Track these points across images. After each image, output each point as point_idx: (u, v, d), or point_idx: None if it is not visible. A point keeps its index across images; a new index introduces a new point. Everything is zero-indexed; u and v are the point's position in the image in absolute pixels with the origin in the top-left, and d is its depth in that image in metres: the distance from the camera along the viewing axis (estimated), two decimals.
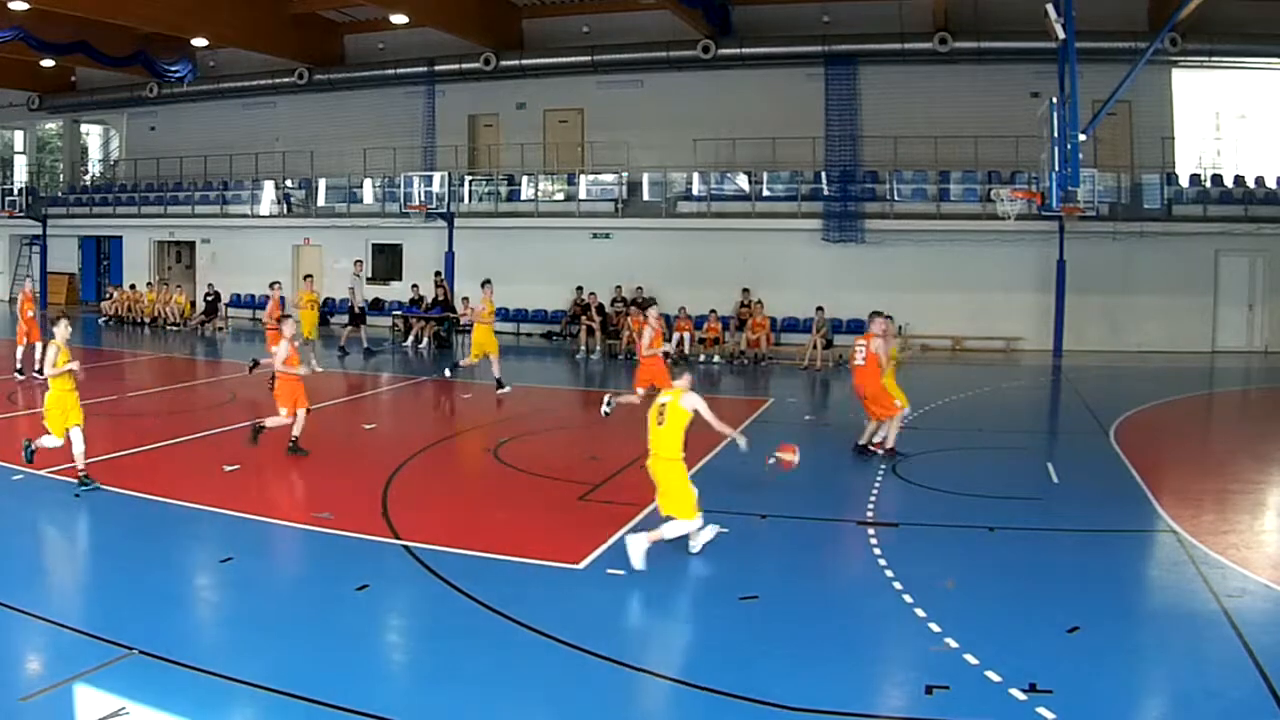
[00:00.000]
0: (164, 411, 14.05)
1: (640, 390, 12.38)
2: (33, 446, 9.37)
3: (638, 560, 7.28)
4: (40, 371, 15.92)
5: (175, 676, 5.46)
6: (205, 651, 5.81)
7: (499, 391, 15.58)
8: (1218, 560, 7.66)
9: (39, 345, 15.97)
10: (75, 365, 9.34)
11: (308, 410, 11.05)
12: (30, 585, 6.85)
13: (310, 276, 19.18)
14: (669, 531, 7.56)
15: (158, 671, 5.50)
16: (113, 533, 8.28)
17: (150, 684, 5.35)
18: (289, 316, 12.23)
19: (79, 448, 9.15)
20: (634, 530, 7.86)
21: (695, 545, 7.79)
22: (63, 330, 9.47)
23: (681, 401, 7.81)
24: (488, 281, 16.55)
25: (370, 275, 28.86)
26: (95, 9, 23.05)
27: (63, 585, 7.22)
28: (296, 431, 10.92)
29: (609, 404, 12.55)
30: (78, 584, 7.23)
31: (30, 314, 16.71)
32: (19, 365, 16.30)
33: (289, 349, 11.03)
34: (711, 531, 7.85)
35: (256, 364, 16.36)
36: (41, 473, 9.76)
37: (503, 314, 26.65)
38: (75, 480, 9.18)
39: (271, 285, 17.34)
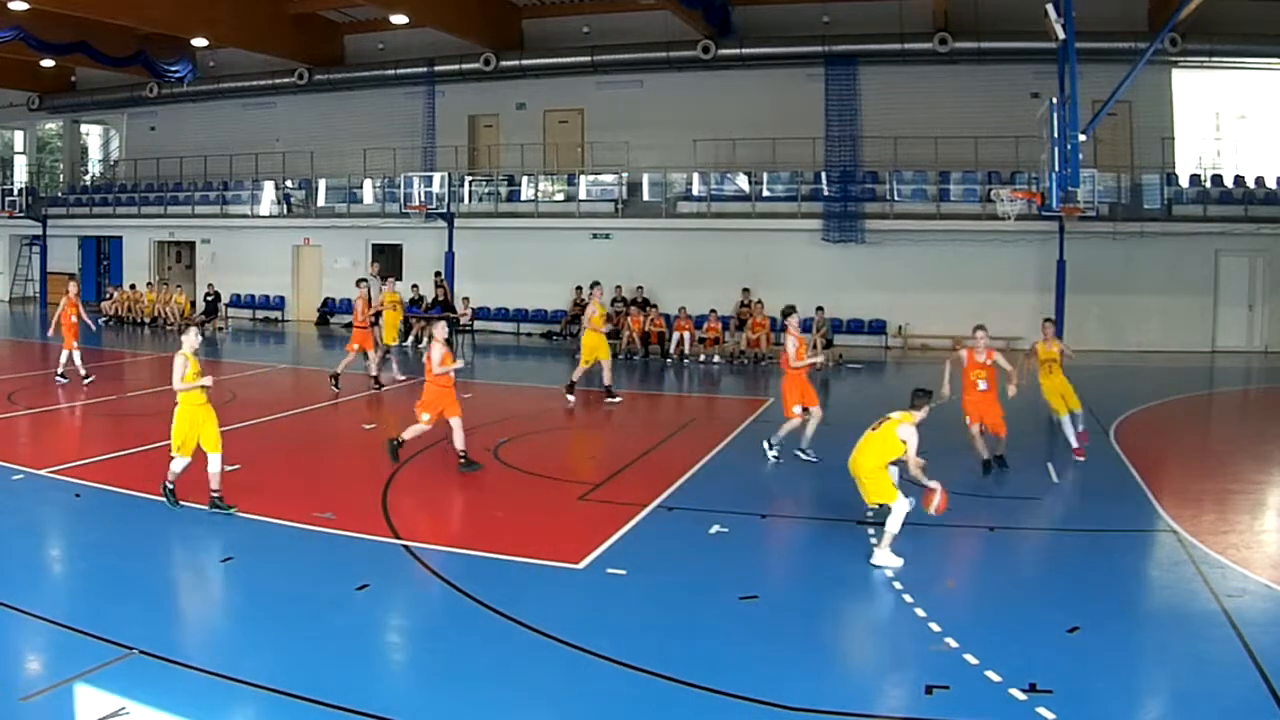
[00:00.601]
0: (164, 411, 13.99)
1: (798, 409, 11.04)
2: (169, 485, 8.71)
3: (897, 561, 7.52)
4: (61, 374, 15.57)
5: (175, 676, 5.46)
6: (205, 651, 5.81)
7: (609, 400, 14.98)
8: (1218, 560, 7.67)
9: (65, 353, 15.64)
10: (207, 381, 8.72)
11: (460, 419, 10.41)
12: (30, 585, 6.85)
13: (391, 277, 17.99)
14: (892, 526, 7.65)
15: (158, 671, 5.50)
16: (113, 532, 8.27)
17: (150, 684, 5.35)
18: (444, 319, 11.67)
19: (215, 468, 8.56)
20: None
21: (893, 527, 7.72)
22: (191, 339, 8.83)
23: (899, 429, 7.88)
24: (597, 284, 15.58)
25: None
26: (95, 9, 23.04)
27: (63, 585, 7.23)
28: (460, 445, 10.35)
29: (774, 446, 11.13)
30: (78, 584, 7.23)
31: (73, 319, 15.93)
32: (63, 370, 15.75)
33: (443, 351, 10.40)
34: (906, 506, 7.77)
35: (337, 378, 15.83)
36: (42, 472, 9.77)
37: (503, 314, 26.81)
38: (205, 504, 8.63)
39: (358, 283, 16.62)
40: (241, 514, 8.62)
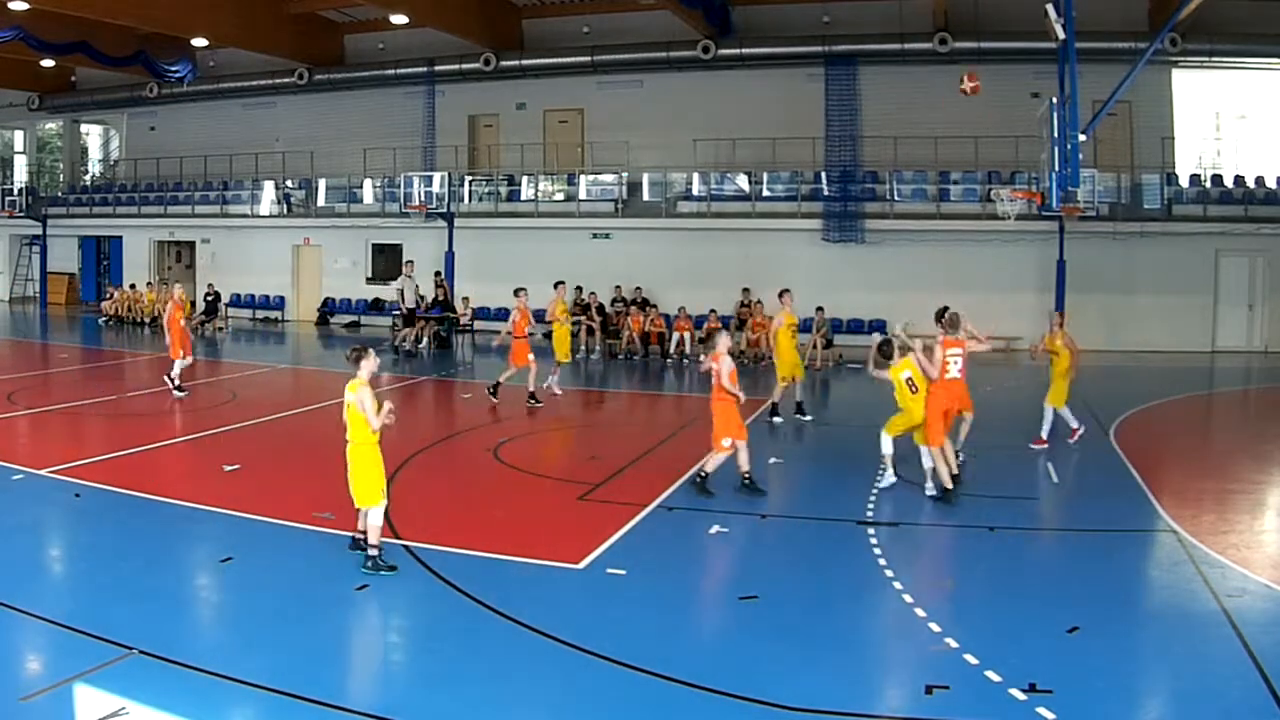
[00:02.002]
0: (164, 411, 14.04)
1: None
2: (378, 550, 7.27)
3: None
4: (179, 387, 14.54)
5: (175, 676, 5.46)
6: (205, 651, 5.81)
7: (803, 417, 13.77)
8: (1218, 560, 7.66)
9: (179, 363, 14.72)
10: (387, 416, 7.33)
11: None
12: (30, 585, 6.84)
13: (562, 283, 16.23)
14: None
15: (158, 671, 5.50)
16: (113, 533, 8.26)
17: (150, 684, 5.35)
18: (721, 328, 10.19)
19: (377, 520, 7.29)
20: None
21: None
22: (370, 364, 7.48)
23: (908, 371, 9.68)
24: (785, 291, 14.20)
25: (370, 275, 28.90)
26: (95, 9, 23.05)
27: (63, 585, 7.22)
28: (711, 468, 9.54)
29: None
30: (78, 584, 7.22)
31: (181, 323, 14.95)
32: (177, 381, 14.75)
33: (730, 365, 9.43)
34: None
35: (498, 387, 15.03)
36: (42, 472, 9.77)
37: (503, 314, 26.73)
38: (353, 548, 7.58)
39: (516, 293, 15.46)
40: (240, 514, 8.62)
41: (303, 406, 14.94)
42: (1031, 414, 12.44)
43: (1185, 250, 22.09)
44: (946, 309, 10.36)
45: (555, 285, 15.79)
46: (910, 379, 9.66)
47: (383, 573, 7.14)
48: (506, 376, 15.19)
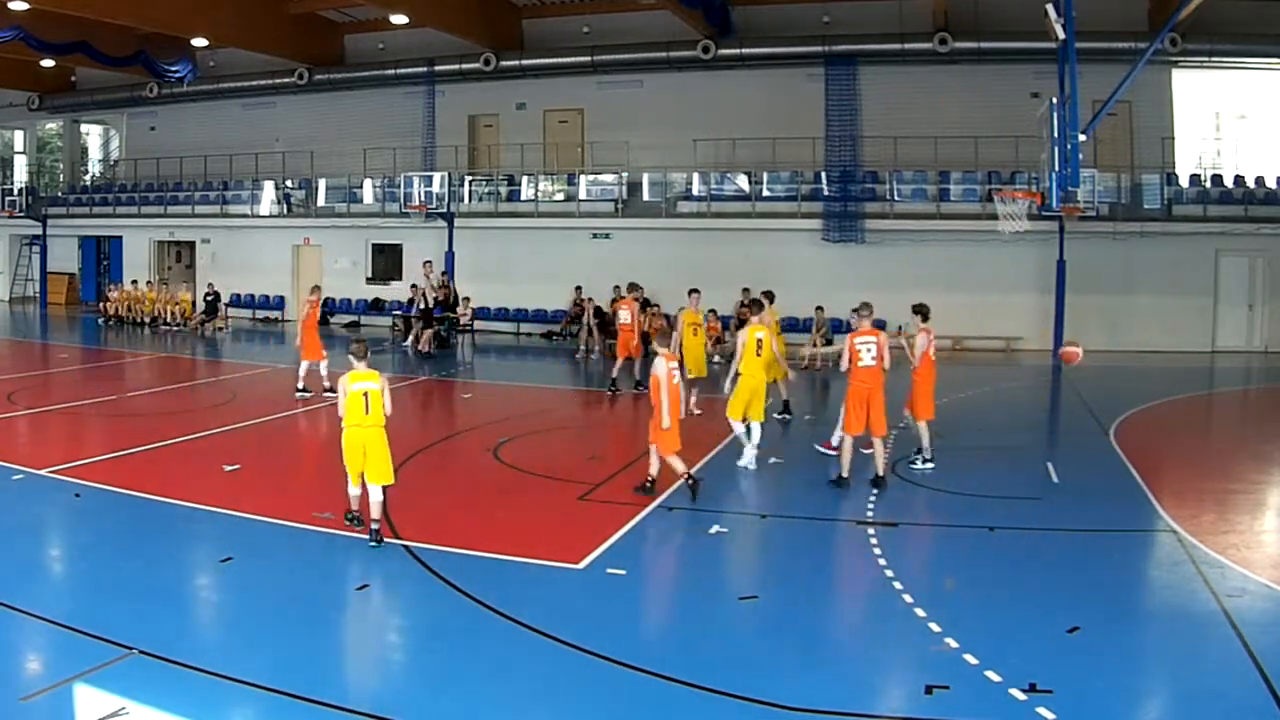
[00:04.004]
0: (164, 411, 14.05)
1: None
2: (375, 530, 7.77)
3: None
4: (329, 389, 14.05)
5: (175, 676, 5.46)
6: (205, 651, 5.81)
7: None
8: (1218, 560, 7.66)
9: (324, 364, 14.65)
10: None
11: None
12: (30, 585, 6.84)
13: (697, 291, 15.20)
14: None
15: (158, 671, 5.50)
16: (113, 532, 8.27)
17: (150, 684, 5.35)
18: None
19: (379, 497, 7.79)
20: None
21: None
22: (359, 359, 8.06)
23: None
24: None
25: (370, 275, 28.91)
26: (95, 9, 23.05)
27: (63, 585, 7.22)
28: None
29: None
30: (78, 584, 7.23)
31: (313, 325, 14.70)
32: (301, 384, 14.77)
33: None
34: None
35: (616, 389, 15.00)
36: (42, 472, 9.77)
37: (502, 314, 26.82)
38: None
39: (631, 288, 15.36)
40: (240, 514, 8.62)
41: (303, 406, 14.93)
42: (1031, 414, 12.43)
43: (1185, 250, 22.09)
44: (867, 303, 10.51)
45: (690, 293, 15.20)
46: (761, 340, 10.58)
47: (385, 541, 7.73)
48: (618, 369, 15.51)
